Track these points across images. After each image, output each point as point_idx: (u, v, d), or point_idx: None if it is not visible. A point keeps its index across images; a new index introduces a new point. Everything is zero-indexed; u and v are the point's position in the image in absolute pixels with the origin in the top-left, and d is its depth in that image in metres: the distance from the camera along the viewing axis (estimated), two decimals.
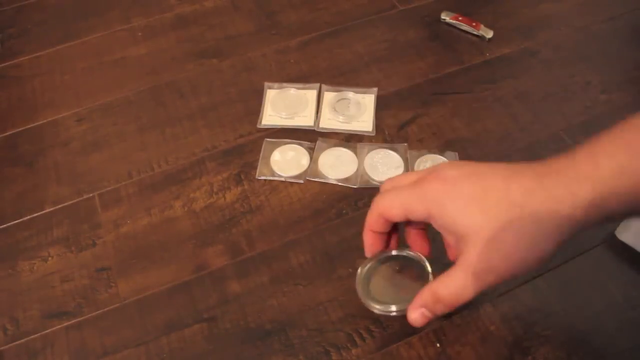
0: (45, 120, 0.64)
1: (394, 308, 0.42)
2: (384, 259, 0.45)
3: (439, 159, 0.58)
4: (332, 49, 0.69)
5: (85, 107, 0.65)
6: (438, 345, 0.47)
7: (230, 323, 0.49)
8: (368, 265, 0.44)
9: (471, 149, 0.59)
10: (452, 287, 0.35)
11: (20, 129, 0.63)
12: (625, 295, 0.49)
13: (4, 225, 0.56)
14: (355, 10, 0.73)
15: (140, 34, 0.72)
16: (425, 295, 0.37)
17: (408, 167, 0.57)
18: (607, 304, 0.49)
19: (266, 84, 0.65)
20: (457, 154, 0.58)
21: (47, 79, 0.68)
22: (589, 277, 0.50)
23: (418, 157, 0.58)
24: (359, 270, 0.44)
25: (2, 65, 0.70)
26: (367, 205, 0.55)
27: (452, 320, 0.48)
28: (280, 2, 0.75)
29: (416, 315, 0.38)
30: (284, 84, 0.65)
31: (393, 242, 0.44)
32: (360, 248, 0.52)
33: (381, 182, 0.56)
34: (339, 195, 0.56)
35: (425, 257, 0.43)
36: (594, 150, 0.34)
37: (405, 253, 0.44)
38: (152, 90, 0.66)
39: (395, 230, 0.44)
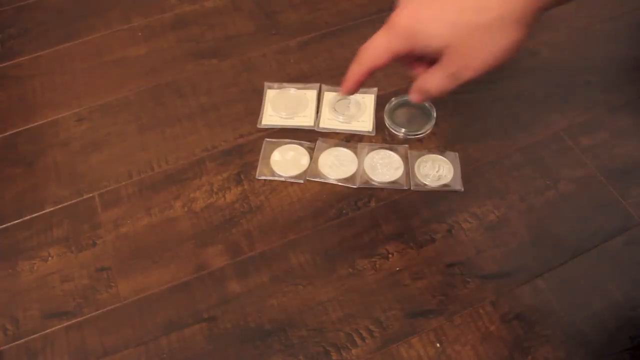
0: (45, 120, 0.64)
1: (402, 131, 0.59)
2: (406, 101, 0.61)
3: (439, 159, 0.58)
4: (332, 49, 0.69)
5: (85, 107, 0.65)
6: (438, 345, 0.47)
7: (230, 323, 0.49)
8: (394, 102, 0.61)
9: (471, 149, 0.59)
10: (435, 83, 0.42)
11: (20, 129, 0.63)
12: (626, 295, 0.49)
13: (4, 225, 0.56)
14: (355, 10, 0.73)
15: (140, 34, 0.72)
16: (418, 85, 0.44)
17: (408, 167, 0.57)
18: (607, 304, 0.49)
19: (266, 84, 0.65)
20: (457, 154, 0.58)
21: (47, 79, 0.68)
22: (589, 277, 0.50)
23: (418, 157, 0.58)
24: (387, 105, 0.61)
25: (2, 65, 0.70)
26: (367, 205, 0.55)
27: (452, 320, 0.48)
28: (280, 2, 0.75)
29: (412, 96, 0.45)
30: (284, 84, 0.65)
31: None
32: (360, 247, 0.53)
33: (381, 182, 0.56)
34: (339, 195, 0.56)
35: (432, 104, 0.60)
36: None
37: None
38: (152, 90, 0.66)
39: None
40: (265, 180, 0.58)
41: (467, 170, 0.57)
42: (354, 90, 0.45)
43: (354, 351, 0.47)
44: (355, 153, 0.58)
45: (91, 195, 0.57)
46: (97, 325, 0.49)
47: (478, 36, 0.38)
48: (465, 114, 0.62)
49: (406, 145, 0.59)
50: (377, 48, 0.42)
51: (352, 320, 0.49)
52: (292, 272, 0.52)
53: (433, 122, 0.60)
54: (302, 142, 0.60)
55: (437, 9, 0.39)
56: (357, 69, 0.43)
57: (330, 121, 0.61)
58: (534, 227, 0.54)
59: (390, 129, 0.60)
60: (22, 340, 0.49)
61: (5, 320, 0.50)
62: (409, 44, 0.40)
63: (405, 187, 0.56)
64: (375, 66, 0.43)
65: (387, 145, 0.59)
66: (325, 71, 0.67)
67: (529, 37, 0.39)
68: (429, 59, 0.42)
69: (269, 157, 0.59)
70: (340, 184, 0.57)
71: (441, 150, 0.58)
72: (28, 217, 0.56)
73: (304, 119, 0.62)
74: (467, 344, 0.47)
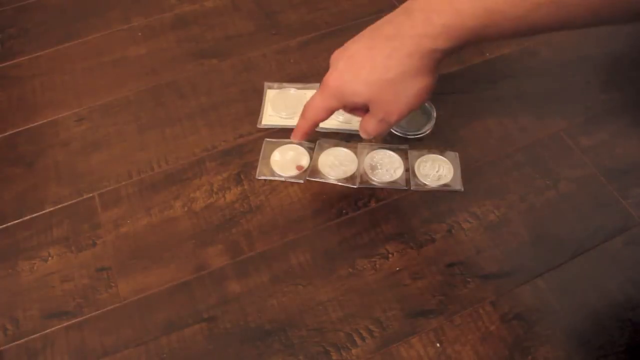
0: (45, 120, 0.64)
1: (402, 131, 0.60)
2: None
3: (439, 159, 0.58)
4: (332, 49, 0.68)
5: (85, 107, 0.65)
6: (438, 345, 0.47)
7: (230, 323, 0.49)
8: None
9: (471, 148, 0.59)
10: (371, 127, 0.51)
11: (20, 129, 0.63)
12: (626, 295, 0.49)
13: (4, 225, 0.56)
14: (355, 10, 0.73)
15: (140, 34, 0.72)
16: (361, 129, 0.53)
17: (408, 167, 0.57)
18: (607, 304, 0.49)
19: (266, 84, 0.65)
20: (457, 154, 0.58)
21: (47, 79, 0.68)
22: (589, 277, 0.50)
23: (418, 157, 0.58)
24: None
25: (2, 65, 0.70)
26: (367, 205, 0.55)
27: (452, 320, 0.48)
28: (280, 2, 0.75)
29: (360, 134, 0.53)
30: (284, 84, 0.65)
31: None
32: (360, 247, 0.53)
33: (381, 182, 0.56)
34: (339, 195, 0.56)
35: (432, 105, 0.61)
36: (426, 7, 0.44)
37: None
38: (152, 90, 0.66)
39: None
40: (265, 180, 0.58)
41: (467, 170, 0.57)
42: (302, 139, 0.55)
43: (354, 351, 0.47)
44: (355, 153, 0.58)
45: (91, 195, 0.57)
46: (97, 325, 0.49)
47: (389, 90, 0.46)
48: (465, 114, 0.62)
49: (406, 145, 0.59)
50: (315, 107, 0.51)
51: (352, 320, 0.49)
52: (292, 272, 0.52)
53: (433, 122, 0.60)
54: (302, 142, 0.60)
55: (355, 71, 0.47)
56: (302, 123, 0.53)
57: (330, 121, 0.61)
58: (534, 227, 0.54)
59: (390, 129, 0.60)
60: (22, 340, 0.49)
61: (5, 320, 0.50)
62: (339, 101, 0.49)
63: (405, 187, 0.56)
64: (317, 121, 0.52)
65: (387, 145, 0.59)
66: (325, 71, 0.66)
67: (435, 81, 0.47)
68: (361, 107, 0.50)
69: (269, 157, 0.59)
70: (340, 184, 0.57)
71: (441, 150, 0.58)
72: (28, 217, 0.56)
73: None
74: (467, 344, 0.47)
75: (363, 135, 0.53)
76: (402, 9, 0.46)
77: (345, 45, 0.49)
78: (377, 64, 0.45)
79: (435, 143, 0.59)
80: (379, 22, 0.48)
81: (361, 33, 0.49)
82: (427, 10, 0.43)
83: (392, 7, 0.73)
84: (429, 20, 0.43)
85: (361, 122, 0.52)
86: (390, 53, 0.45)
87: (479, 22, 0.42)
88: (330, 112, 0.51)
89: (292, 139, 0.55)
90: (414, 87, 0.46)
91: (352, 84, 0.47)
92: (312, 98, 0.51)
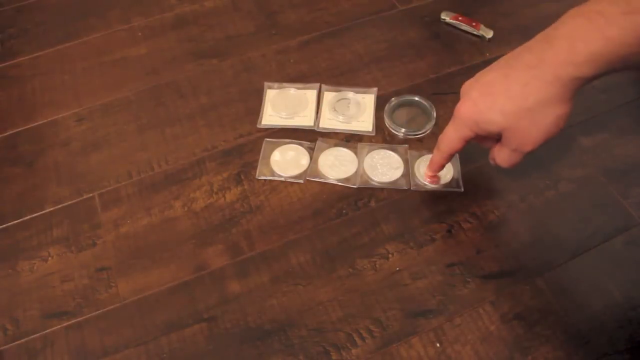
0: (45, 120, 0.64)
1: (402, 131, 0.60)
2: (406, 101, 0.62)
3: None
4: (332, 49, 0.69)
5: (85, 107, 0.65)
6: (438, 345, 0.47)
7: (230, 323, 0.49)
8: (394, 102, 0.62)
9: (471, 148, 0.59)
10: (504, 158, 0.49)
11: (20, 129, 0.63)
12: (625, 295, 0.49)
13: (4, 225, 0.56)
14: (355, 10, 0.73)
15: (140, 34, 0.72)
16: (491, 157, 0.52)
17: (408, 167, 0.57)
18: (607, 304, 0.49)
19: (266, 84, 0.65)
20: (457, 154, 0.58)
21: (47, 79, 0.68)
22: (589, 277, 0.50)
23: (418, 157, 0.58)
24: (387, 105, 0.62)
25: (2, 65, 0.70)
26: (367, 205, 0.55)
27: (452, 320, 0.48)
28: (280, 2, 0.75)
29: (491, 162, 0.52)
30: (284, 84, 0.65)
31: None
32: (360, 247, 0.53)
33: (381, 182, 0.56)
34: (339, 195, 0.56)
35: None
36: (571, 35, 0.42)
37: (421, 99, 0.62)
38: (152, 90, 0.66)
39: None
40: (265, 180, 0.58)
41: (467, 170, 0.57)
42: (438, 172, 0.55)
43: (354, 351, 0.47)
44: (355, 153, 0.58)
45: (91, 195, 0.57)
46: (97, 325, 0.49)
47: (526, 118, 0.45)
48: None
49: (406, 145, 0.59)
50: (450, 138, 0.50)
51: (352, 320, 0.49)
52: (292, 272, 0.52)
53: (433, 122, 0.60)
54: (302, 142, 0.60)
55: (490, 100, 0.46)
56: (438, 156, 0.52)
57: (330, 121, 0.61)
58: (534, 227, 0.54)
59: (390, 129, 0.60)
60: (22, 340, 0.49)
61: (5, 320, 0.50)
62: (473, 131, 0.48)
63: (405, 187, 0.56)
64: (453, 152, 0.51)
65: (387, 145, 0.59)
66: (325, 71, 0.67)
67: (572, 108, 0.44)
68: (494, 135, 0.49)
69: (269, 157, 0.59)
70: (340, 184, 0.57)
71: None
72: (28, 217, 0.56)
73: (304, 119, 0.62)
74: (467, 344, 0.47)
75: (493, 164, 0.52)
76: (541, 37, 0.44)
77: (477, 76, 0.48)
78: (514, 92, 0.44)
79: (435, 143, 0.59)
80: (515, 52, 0.46)
81: (494, 64, 0.47)
82: (572, 38, 0.42)
83: (391, 7, 0.73)
84: (573, 48, 0.42)
85: (493, 151, 0.50)
86: (529, 81, 0.44)
87: (629, 50, 0.40)
88: (465, 142, 0.50)
89: (426, 173, 0.55)
90: (551, 115, 0.44)
91: (487, 112, 0.46)
92: (446, 130, 0.50)
